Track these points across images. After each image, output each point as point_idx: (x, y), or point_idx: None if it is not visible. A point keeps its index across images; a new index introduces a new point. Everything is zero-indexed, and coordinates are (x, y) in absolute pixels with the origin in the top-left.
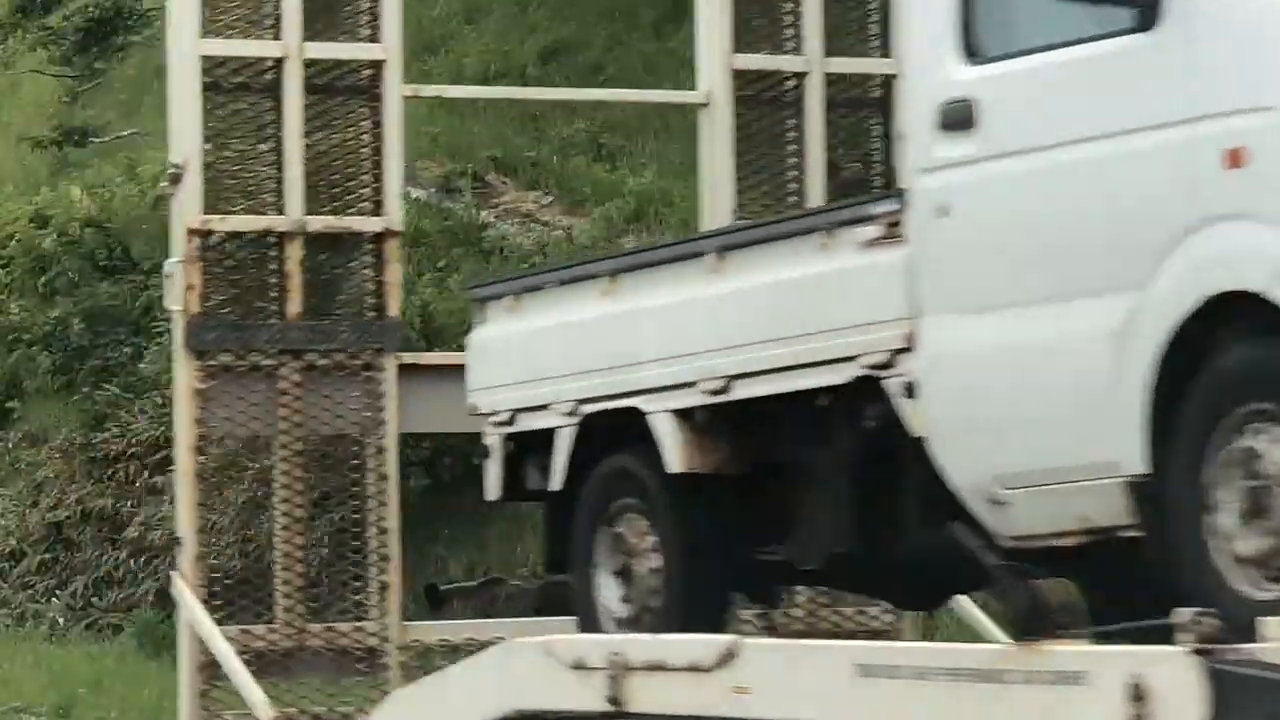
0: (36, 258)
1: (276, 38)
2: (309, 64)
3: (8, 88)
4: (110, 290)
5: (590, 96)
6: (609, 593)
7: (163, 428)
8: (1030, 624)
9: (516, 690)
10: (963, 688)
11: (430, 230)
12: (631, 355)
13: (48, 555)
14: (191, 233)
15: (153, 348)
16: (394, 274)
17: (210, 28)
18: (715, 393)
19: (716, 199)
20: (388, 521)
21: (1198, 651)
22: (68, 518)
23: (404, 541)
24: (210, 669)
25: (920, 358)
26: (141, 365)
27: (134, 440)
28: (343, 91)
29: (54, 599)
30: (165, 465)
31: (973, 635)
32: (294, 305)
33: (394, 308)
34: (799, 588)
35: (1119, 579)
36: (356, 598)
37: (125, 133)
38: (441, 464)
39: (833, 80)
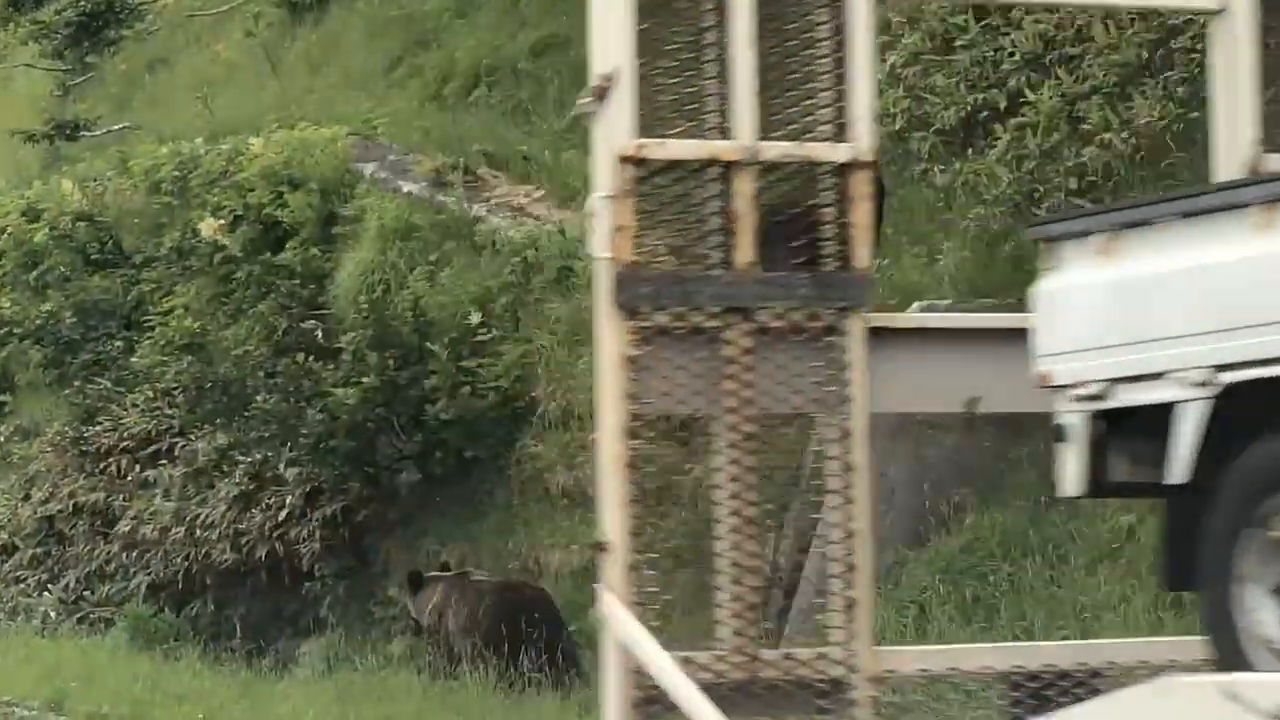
0: (28, 251)
1: None
2: None
3: None
4: (102, 284)
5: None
6: (1264, 615)
7: (154, 421)
8: None
9: None
10: None
11: (422, 224)
12: None
13: (39, 549)
14: (624, 160)
15: (144, 341)
16: (862, 214)
17: None
18: None
19: (1235, 126)
20: (855, 523)
21: None
22: (60, 512)
23: (398, 535)
24: (650, 705)
25: None
26: (133, 359)
27: (125, 434)
28: None
29: (46, 593)
30: (156, 459)
31: None
32: (743, 253)
33: (862, 256)
34: None
35: None
36: (817, 617)
37: (117, 126)
38: (433, 457)
39: None
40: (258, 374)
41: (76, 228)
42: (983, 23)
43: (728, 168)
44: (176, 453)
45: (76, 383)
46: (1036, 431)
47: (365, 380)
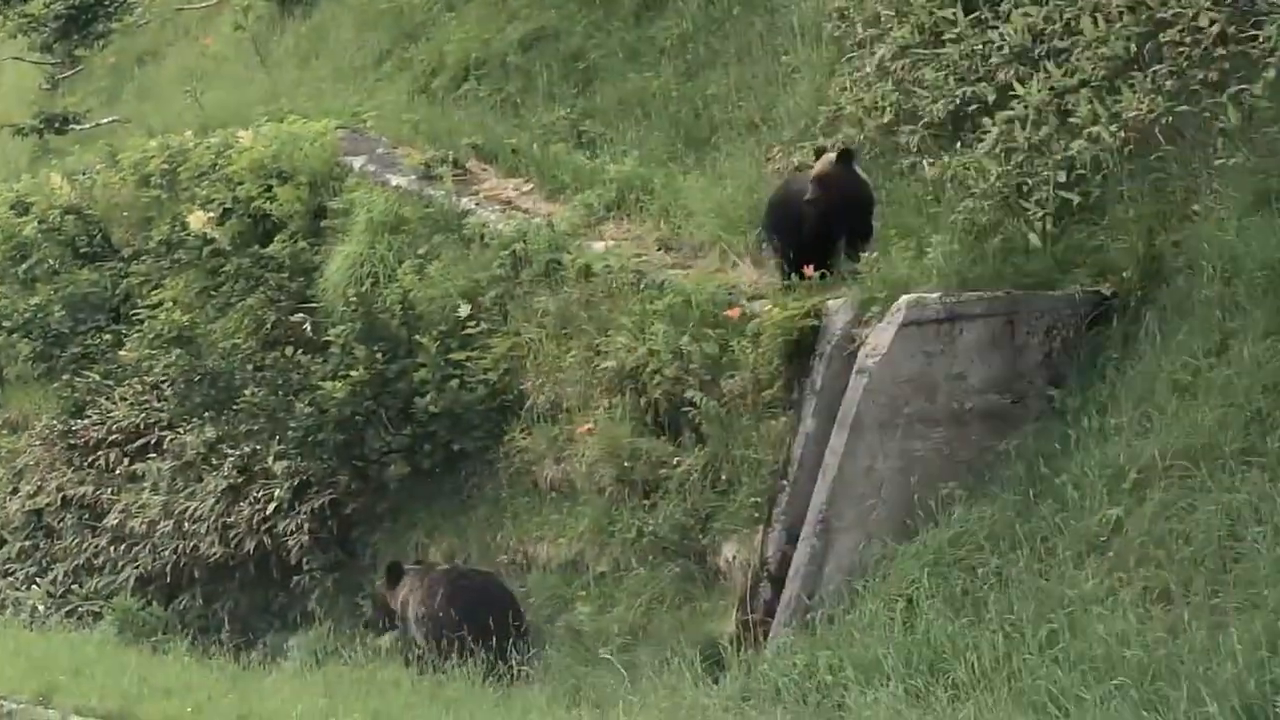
0: (17, 245)
1: None
2: None
3: None
4: (91, 277)
5: None
6: None
7: (143, 414)
8: None
9: None
10: None
11: (410, 217)
12: None
13: (28, 542)
14: None
15: (133, 335)
16: None
17: None
18: None
19: None
20: None
21: None
22: (48, 505)
23: (386, 528)
24: None
25: None
26: (122, 352)
27: (114, 427)
28: None
29: (34, 586)
30: (145, 452)
31: None
32: None
33: None
34: None
35: None
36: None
37: (106, 120)
38: (422, 450)
39: None
40: (246, 367)
41: (65, 221)
42: (971, 16)
43: None
44: (165, 446)
45: (65, 376)
46: (1024, 424)
47: (354, 373)
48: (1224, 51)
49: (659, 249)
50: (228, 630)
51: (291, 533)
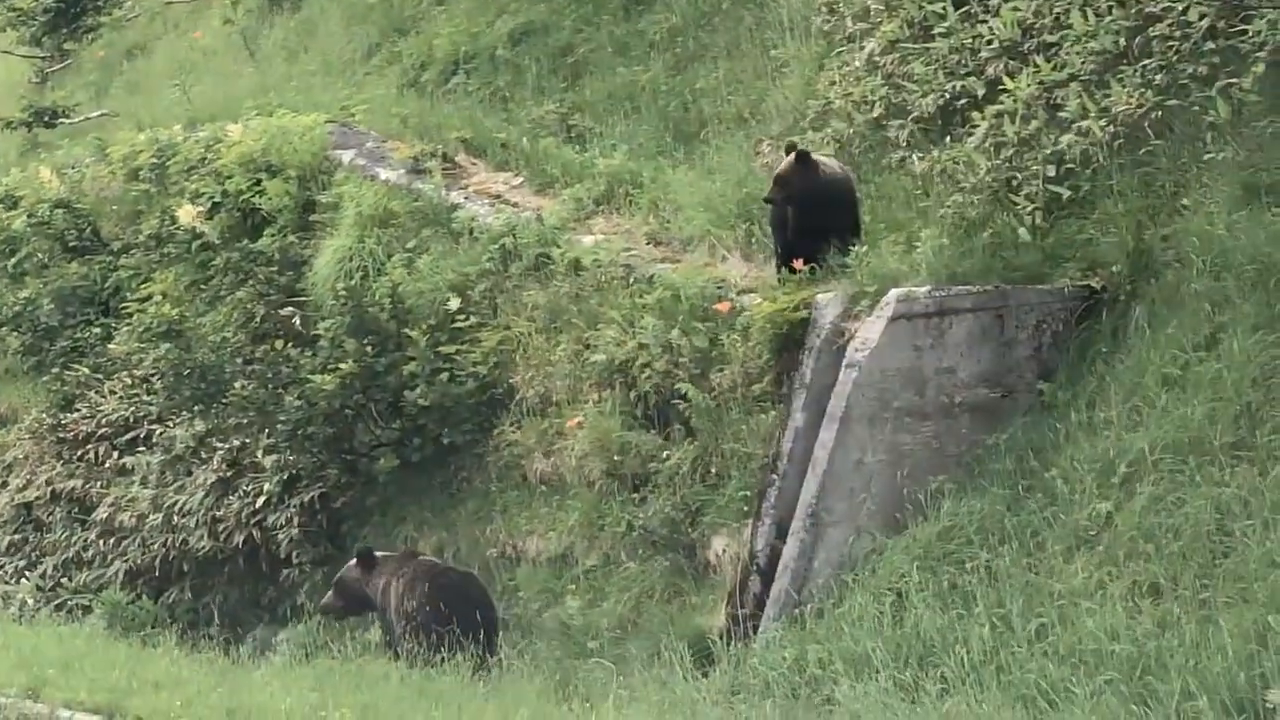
0: (6, 239)
1: None
2: None
3: None
4: (80, 271)
5: None
6: None
7: (132, 408)
8: None
9: None
10: None
11: (400, 211)
12: None
13: (17, 536)
14: None
15: (122, 328)
16: None
17: None
18: None
19: None
20: None
21: None
22: (37, 498)
23: (375, 522)
24: None
25: None
26: (111, 346)
27: (103, 421)
28: None
29: (23, 580)
30: (134, 446)
31: None
32: None
33: None
34: None
35: None
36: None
37: (95, 114)
38: (411, 444)
39: None
40: (235, 360)
41: (54, 215)
42: (961, 10)
43: None
44: (154, 439)
45: (54, 369)
46: (1013, 418)
47: (343, 367)
48: (1213, 46)
49: (648, 243)
50: (217, 624)
51: (281, 526)
